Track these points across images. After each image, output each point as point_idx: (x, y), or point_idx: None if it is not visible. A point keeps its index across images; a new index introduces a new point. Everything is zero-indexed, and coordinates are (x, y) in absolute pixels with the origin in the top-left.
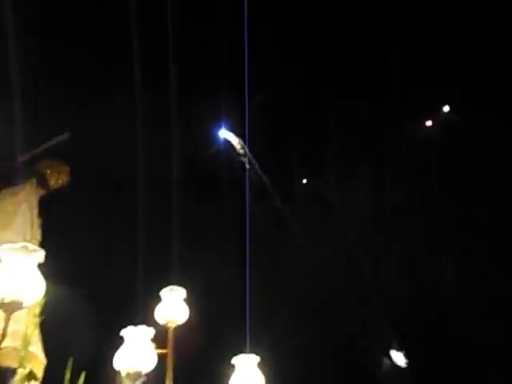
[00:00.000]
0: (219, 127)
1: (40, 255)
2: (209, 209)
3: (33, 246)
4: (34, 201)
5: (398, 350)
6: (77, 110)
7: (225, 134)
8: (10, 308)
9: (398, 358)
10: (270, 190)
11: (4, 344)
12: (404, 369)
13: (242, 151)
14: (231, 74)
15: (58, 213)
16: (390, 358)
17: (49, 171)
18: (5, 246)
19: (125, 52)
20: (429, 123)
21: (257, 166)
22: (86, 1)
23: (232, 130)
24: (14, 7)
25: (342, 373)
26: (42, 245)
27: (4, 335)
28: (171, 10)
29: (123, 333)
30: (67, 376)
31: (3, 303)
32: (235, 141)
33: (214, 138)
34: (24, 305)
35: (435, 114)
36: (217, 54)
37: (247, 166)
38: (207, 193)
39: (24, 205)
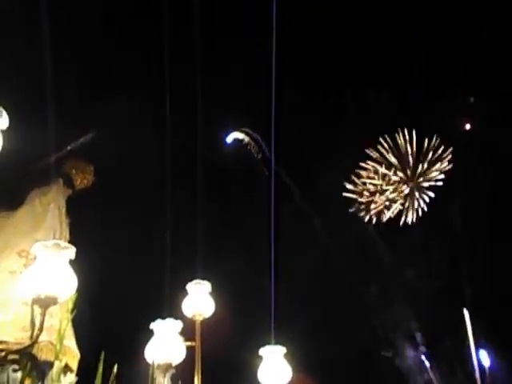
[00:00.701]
0: (237, 130)
1: (71, 252)
2: (233, 205)
3: (64, 244)
4: (61, 200)
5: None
6: (100, 112)
7: (239, 136)
8: (46, 303)
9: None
10: (292, 190)
11: (40, 338)
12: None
13: (259, 155)
14: (256, 79)
15: (85, 212)
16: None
17: (74, 171)
18: (38, 244)
19: (147, 58)
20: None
21: (274, 166)
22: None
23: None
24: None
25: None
26: (71, 243)
27: (41, 329)
28: (196, 18)
29: (153, 326)
30: (100, 369)
31: (39, 298)
32: (251, 144)
33: (235, 140)
34: (59, 300)
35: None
36: (243, 62)
37: (265, 171)
38: (231, 190)
39: (53, 204)
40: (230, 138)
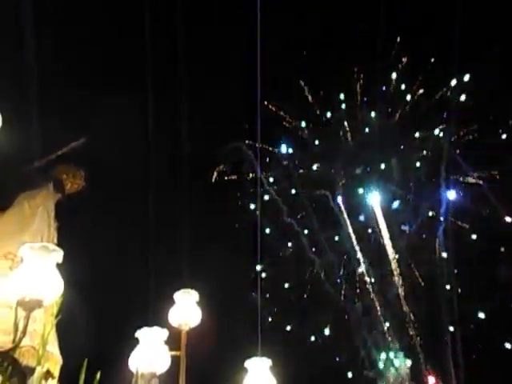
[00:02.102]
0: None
1: (59, 255)
2: (222, 214)
3: (52, 246)
4: (50, 204)
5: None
6: (92, 116)
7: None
8: (30, 306)
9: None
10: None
11: (23, 343)
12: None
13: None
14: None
15: (73, 217)
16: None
17: (65, 176)
18: (25, 245)
19: (138, 61)
20: None
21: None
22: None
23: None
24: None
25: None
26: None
27: (24, 333)
28: (183, 19)
29: (138, 334)
30: (82, 376)
31: (24, 301)
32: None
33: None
34: (44, 303)
35: None
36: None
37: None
38: (218, 198)
39: (41, 208)
40: (214, 177)
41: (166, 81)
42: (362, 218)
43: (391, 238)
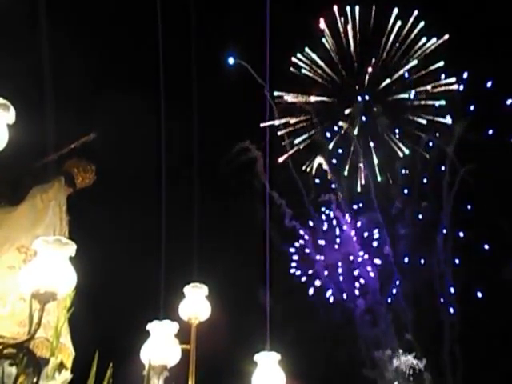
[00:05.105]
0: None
1: (72, 249)
2: (231, 209)
3: (66, 240)
4: (62, 198)
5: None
6: (103, 110)
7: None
8: (45, 298)
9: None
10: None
11: (37, 334)
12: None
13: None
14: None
15: (84, 211)
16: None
17: (76, 170)
18: (39, 239)
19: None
20: None
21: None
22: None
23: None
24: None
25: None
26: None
27: (39, 325)
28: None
29: (149, 327)
30: (93, 368)
31: (38, 293)
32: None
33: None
34: (58, 296)
35: None
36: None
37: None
38: (229, 193)
39: (53, 202)
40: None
41: (178, 78)
42: None
43: None
